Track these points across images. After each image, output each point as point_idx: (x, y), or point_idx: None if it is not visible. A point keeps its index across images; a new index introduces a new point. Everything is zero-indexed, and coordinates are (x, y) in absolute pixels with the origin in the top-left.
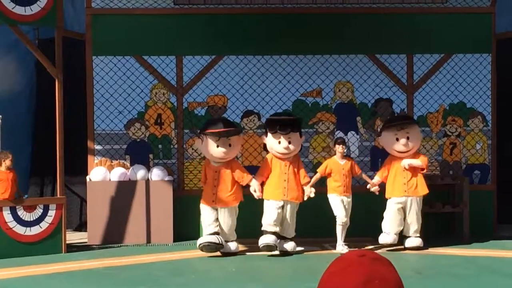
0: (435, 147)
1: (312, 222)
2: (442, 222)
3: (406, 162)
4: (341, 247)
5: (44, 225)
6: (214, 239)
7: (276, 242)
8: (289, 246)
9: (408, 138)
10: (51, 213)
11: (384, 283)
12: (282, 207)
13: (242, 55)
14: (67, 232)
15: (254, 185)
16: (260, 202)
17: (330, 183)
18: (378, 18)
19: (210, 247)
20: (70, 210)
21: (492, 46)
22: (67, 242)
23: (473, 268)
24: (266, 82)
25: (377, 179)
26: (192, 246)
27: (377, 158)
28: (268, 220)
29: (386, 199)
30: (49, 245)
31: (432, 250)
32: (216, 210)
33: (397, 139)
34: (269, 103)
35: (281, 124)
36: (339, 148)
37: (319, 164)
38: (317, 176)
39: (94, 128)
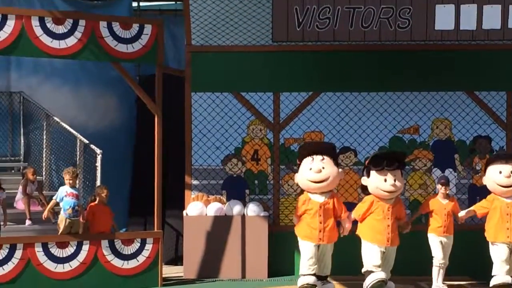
0: None
1: (410, 259)
2: None
3: None
4: None
5: (141, 258)
6: (314, 280)
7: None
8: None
9: None
10: (148, 246)
11: None
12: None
13: (339, 92)
14: (163, 266)
15: (348, 222)
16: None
17: (431, 222)
18: (477, 54)
19: None
20: (166, 243)
21: None
22: (163, 275)
23: None
24: (362, 119)
25: (470, 210)
26: (287, 282)
27: (475, 196)
28: (373, 261)
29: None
30: (145, 278)
31: None
32: (319, 246)
33: (500, 172)
34: (366, 139)
35: (388, 159)
36: (441, 189)
37: (415, 201)
38: (418, 212)
39: (191, 163)
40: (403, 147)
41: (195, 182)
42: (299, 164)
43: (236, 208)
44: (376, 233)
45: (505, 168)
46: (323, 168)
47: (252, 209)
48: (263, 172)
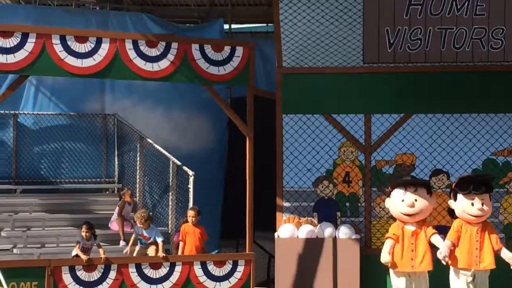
0: None
1: None
2: None
3: None
4: None
5: (233, 280)
6: None
7: None
8: None
9: None
10: (240, 268)
11: None
12: (474, 277)
13: (431, 114)
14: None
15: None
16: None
17: None
18: None
19: None
20: (257, 265)
21: None
22: None
23: None
24: (455, 141)
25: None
26: None
27: None
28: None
29: None
30: None
31: None
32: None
33: None
34: (458, 161)
35: (475, 182)
36: None
37: (510, 225)
38: None
39: (283, 185)
40: (497, 169)
41: (286, 204)
42: (390, 191)
43: (328, 231)
44: (464, 257)
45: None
46: (416, 200)
47: (344, 232)
48: (354, 194)
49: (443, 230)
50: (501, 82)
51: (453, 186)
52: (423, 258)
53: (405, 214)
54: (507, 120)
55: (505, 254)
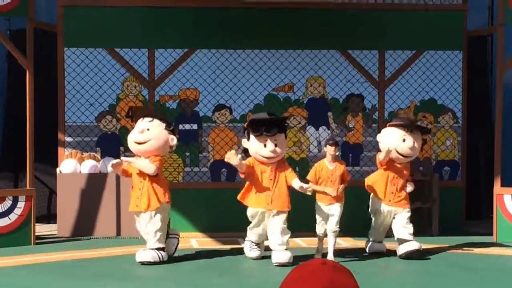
0: None
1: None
2: (411, 218)
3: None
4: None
5: (13, 216)
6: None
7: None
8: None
9: None
10: (20, 204)
11: None
12: (264, 215)
13: (215, 49)
14: (36, 224)
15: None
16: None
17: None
18: (350, 14)
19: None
20: (38, 201)
21: (464, 43)
22: (36, 234)
23: (443, 264)
24: (238, 76)
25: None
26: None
27: (348, 153)
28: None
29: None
30: (18, 237)
31: None
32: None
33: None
34: (241, 97)
35: (267, 124)
36: (330, 150)
37: (290, 158)
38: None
39: (65, 120)
40: (278, 104)
41: (68, 139)
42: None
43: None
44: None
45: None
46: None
47: None
48: None
49: (227, 166)
50: (284, 19)
51: (246, 126)
52: None
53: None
54: (288, 56)
55: (296, 184)
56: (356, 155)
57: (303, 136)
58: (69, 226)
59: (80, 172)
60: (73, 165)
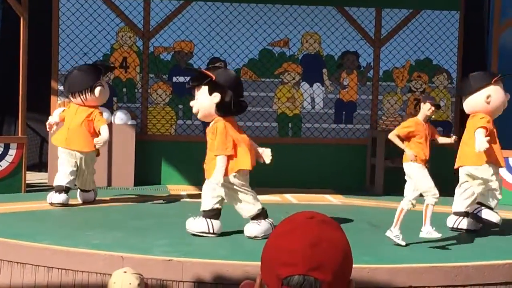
0: (399, 102)
1: None
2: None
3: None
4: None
5: (4, 163)
6: None
7: None
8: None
9: None
10: (12, 152)
11: (331, 245)
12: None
13: (211, 2)
14: (27, 172)
15: None
16: None
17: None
18: None
19: None
20: (30, 148)
21: (461, 3)
22: (27, 182)
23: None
24: (233, 30)
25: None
26: (152, 191)
27: (342, 111)
28: None
29: None
30: (8, 184)
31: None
32: None
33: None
34: (236, 51)
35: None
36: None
37: (283, 114)
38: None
39: (58, 68)
40: (273, 59)
41: (61, 88)
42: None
43: (104, 116)
44: None
45: None
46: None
47: (120, 117)
48: (131, 80)
49: None
50: None
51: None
52: None
53: None
54: (284, 11)
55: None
56: (349, 113)
57: (297, 92)
58: None
59: None
60: None
